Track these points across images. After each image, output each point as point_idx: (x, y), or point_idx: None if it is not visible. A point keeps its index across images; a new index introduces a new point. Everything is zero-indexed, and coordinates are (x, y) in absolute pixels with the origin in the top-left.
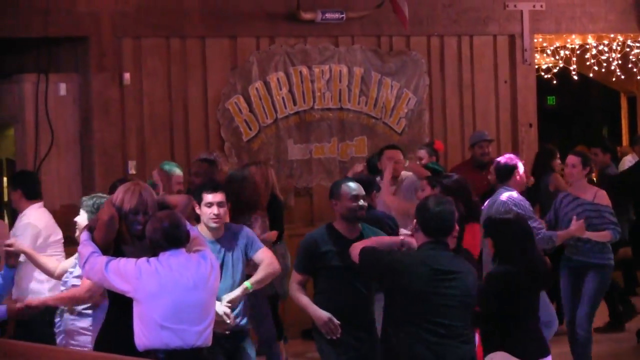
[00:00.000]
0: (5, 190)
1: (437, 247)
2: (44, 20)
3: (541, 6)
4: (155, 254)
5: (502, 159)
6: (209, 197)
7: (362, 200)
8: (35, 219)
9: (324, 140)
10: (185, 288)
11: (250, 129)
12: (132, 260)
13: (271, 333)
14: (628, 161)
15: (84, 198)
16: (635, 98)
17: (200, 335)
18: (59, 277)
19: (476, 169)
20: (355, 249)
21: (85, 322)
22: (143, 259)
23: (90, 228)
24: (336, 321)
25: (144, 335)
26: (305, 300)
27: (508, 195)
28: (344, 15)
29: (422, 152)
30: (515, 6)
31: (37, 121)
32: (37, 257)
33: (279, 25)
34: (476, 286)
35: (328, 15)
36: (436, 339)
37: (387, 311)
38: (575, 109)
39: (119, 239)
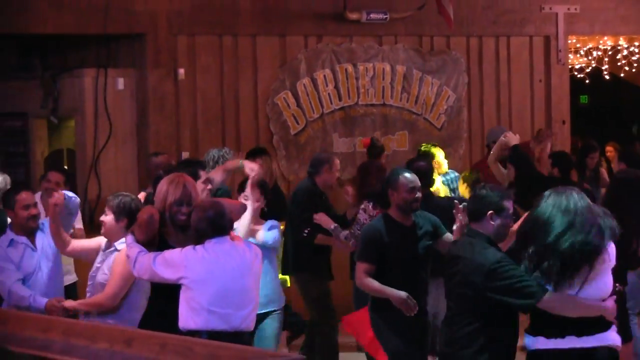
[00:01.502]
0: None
1: (467, 233)
2: (104, 18)
3: (575, 9)
4: (201, 242)
5: None
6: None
7: (418, 192)
8: None
9: (367, 134)
10: (231, 274)
11: (297, 123)
12: (177, 250)
13: None
14: None
15: (109, 197)
16: None
17: (244, 319)
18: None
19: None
20: None
21: None
22: (189, 247)
23: (132, 232)
24: (413, 300)
25: (191, 319)
26: (378, 285)
27: None
28: (387, 16)
29: None
30: (550, 9)
31: (96, 114)
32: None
33: (326, 24)
34: (476, 274)
35: (373, 16)
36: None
37: None
38: (606, 108)
39: (163, 232)
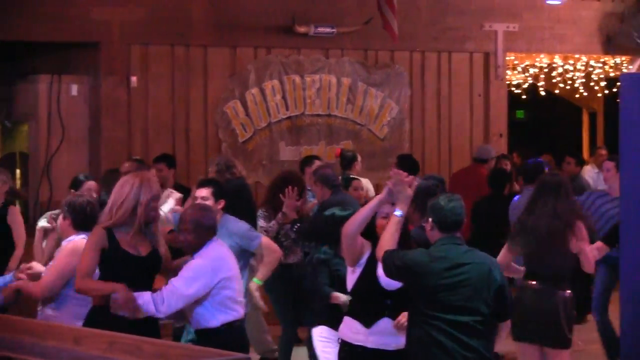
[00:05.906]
0: (18, 182)
1: (450, 242)
2: (59, 26)
3: (514, 27)
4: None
5: None
6: (195, 192)
7: None
8: None
9: (313, 143)
10: (235, 266)
11: (245, 131)
12: (192, 264)
13: None
14: (588, 171)
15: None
16: (596, 114)
17: (245, 305)
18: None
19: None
20: (380, 250)
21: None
22: (200, 256)
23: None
24: None
25: (222, 314)
26: None
27: None
28: (334, 30)
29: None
30: (490, 27)
31: (50, 119)
32: None
33: (275, 37)
34: (492, 277)
35: (320, 30)
36: (446, 339)
37: (409, 307)
38: (541, 122)
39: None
